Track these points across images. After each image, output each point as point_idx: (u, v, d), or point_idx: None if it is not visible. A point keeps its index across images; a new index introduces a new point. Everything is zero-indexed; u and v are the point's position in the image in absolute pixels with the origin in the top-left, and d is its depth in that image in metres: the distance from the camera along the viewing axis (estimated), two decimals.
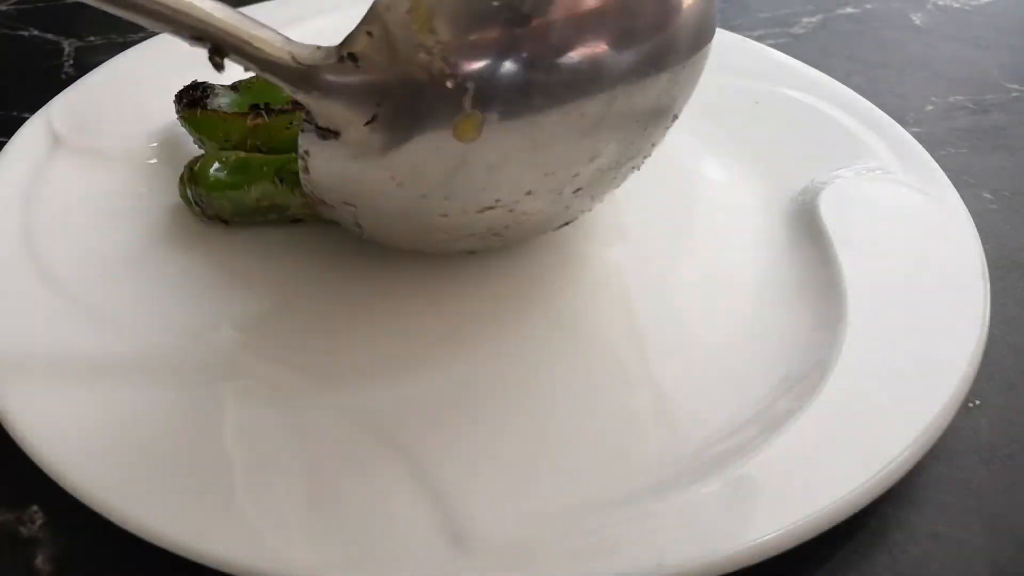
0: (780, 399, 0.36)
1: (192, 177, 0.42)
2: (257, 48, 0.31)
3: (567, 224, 0.41)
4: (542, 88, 0.31)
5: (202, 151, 0.44)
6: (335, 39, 0.51)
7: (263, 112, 0.43)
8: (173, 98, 0.44)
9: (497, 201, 0.34)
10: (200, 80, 0.45)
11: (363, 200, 0.35)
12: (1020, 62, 0.64)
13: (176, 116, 0.44)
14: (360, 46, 0.31)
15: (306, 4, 0.58)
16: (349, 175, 0.34)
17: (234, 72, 0.50)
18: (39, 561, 0.32)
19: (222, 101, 0.44)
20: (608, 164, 0.35)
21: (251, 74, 0.46)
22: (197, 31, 0.30)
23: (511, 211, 0.35)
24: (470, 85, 0.30)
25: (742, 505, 0.31)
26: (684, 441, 0.35)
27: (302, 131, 0.33)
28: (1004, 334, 0.43)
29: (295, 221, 0.42)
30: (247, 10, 0.58)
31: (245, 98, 0.44)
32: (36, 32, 0.62)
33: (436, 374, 0.37)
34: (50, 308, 0.38)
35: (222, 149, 0.43)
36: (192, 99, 0.44)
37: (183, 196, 0.42)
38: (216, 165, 0.42)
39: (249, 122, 0.42)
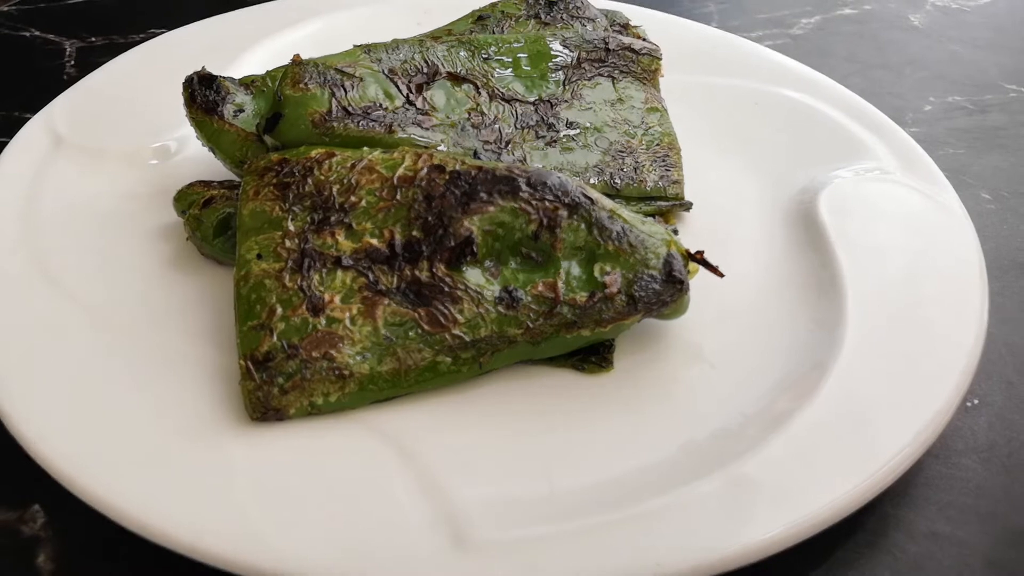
0: (779, 398, 0.36)
1: (198, 231, 0.40)
2: None
3: None
4: None
5: (207, 148, 0.43)
6: (333, 39, 0.51)
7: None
8: (182, 87, 0.42)
9: None
10: (212, 73, 0.43)
11: None
12: (1019, 62, 0.65)
13: (185, 115, 0.42)
14: None
15: (306, 4, 0.58)
16: None
17: (246, 66, 0.50)
18: (41, 560, 0.32)
19: (237, 108, 0.42)
20: None
21: (259, 71, 0.46)
22: None
23: None
24: None
25: (741, 504, 0.31)
26: (683, 440, 0.35)
27: None
28: (1002, 333, 0.43)
29: None
30: (249, 11, 0.58)
31: (259, 103, 0.43)
32: (38, 33, 0.62)
33: None
34: (50, 307, 0.38)
35: (236, 165, 0.42)
36: (206, 101, 0.42)
37: (179, 214, 0.42)
38: (223, 226, 0.40)
39: (275, 157, 0.40)
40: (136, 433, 0.33)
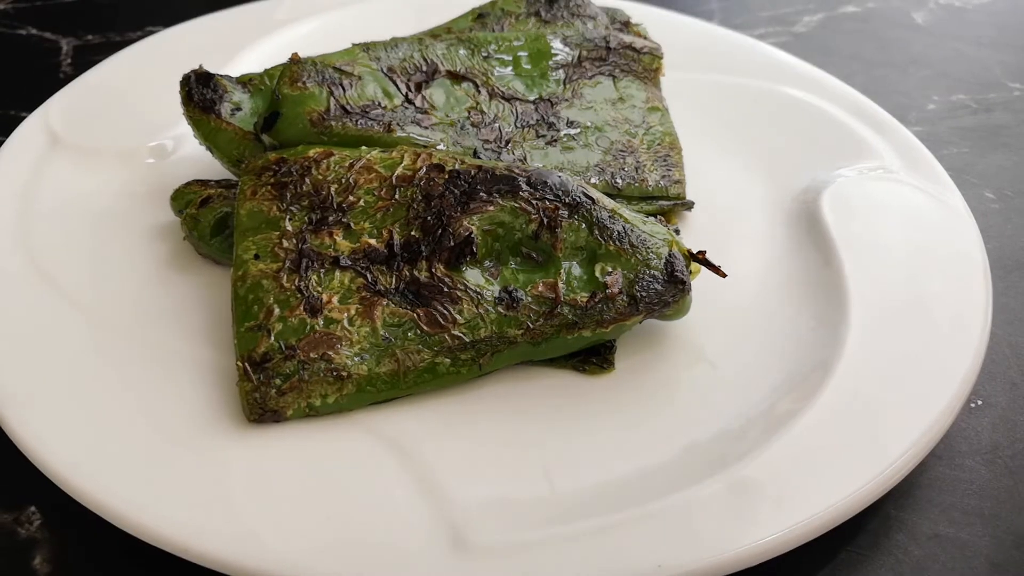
0: (782, 400, 0.36)
1: (195, 230, 0.40)
2: None
3: None
4: None
5: (204, 147, 0.43)
6: (331, 37, 0.51)
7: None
8: (179, 85, 0.42)
9: None
10: (209, 71, 0.42)
11: None
12: (1022, 60, 0.64)
13: (182, 113, 0.42)
14: None
15: (304, 2, 0.58)
16: None
17: (243, 65, 0.50)
18: (37, 562, 0.32)
19: (235, 106, 0.42)
20: None
21: (257, 69, 0.46)
22: None
23: None
24: None
25: (743, 506, 0.31)
26: (685, 442, 0.34)
27: None
28: (1006, 334, 0.42)
29: None
30: (246, 9, 0.58)
31: (257, 102, 0.43)
32: (34, 31, 0.62)
33: None
34: (46, 307, 0.38)
35: (233, 164, 0.42)
36: (204, 100, 0.42)
37: (176, 213, 0.42)
38: (220, 225, 0.40)
39: (272, 157, 0.40)
40: (132, 434, 0.33)
